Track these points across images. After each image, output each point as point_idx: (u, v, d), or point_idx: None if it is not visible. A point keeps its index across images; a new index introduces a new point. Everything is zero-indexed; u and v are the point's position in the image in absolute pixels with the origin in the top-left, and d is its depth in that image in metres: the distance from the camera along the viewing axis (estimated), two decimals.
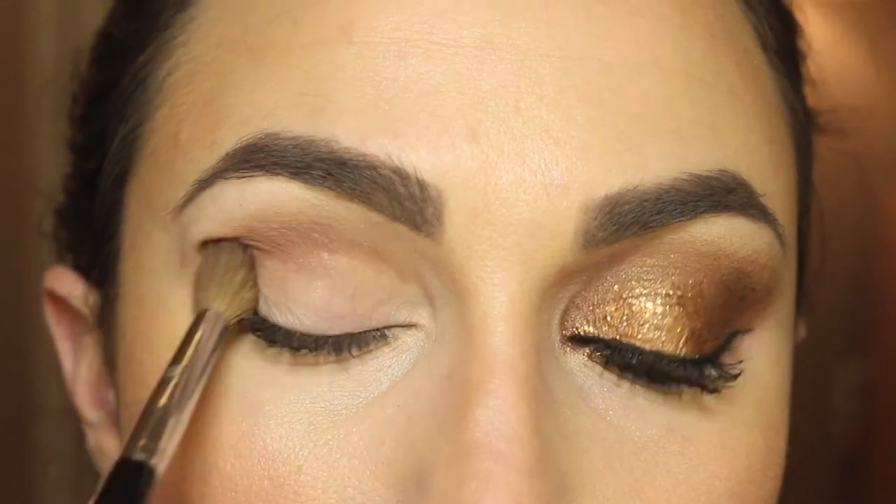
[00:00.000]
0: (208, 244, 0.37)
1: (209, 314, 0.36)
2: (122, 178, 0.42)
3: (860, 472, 2.26)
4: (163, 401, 0.34)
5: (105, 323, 0.45)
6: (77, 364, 0.50)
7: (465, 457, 0.33)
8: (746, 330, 0.39)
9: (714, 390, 0.37)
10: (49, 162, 1.33)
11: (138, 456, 0.32)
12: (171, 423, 0.34)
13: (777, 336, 0.41)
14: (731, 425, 0.38)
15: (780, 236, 0.39)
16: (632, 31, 0.37)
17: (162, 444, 0.33)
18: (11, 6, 1.45)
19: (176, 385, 0.34)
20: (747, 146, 0.38)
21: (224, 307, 0.36)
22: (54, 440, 1.38)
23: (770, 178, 0.39)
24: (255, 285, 0.36)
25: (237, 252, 0.36)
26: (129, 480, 0.32)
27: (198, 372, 0.35)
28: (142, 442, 0.33)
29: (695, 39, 0.38)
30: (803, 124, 0.45)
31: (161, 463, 0.33)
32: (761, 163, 0.39)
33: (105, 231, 0.44)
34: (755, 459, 0.38)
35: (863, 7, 2.07)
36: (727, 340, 0.39)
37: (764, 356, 0.40)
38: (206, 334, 0.35)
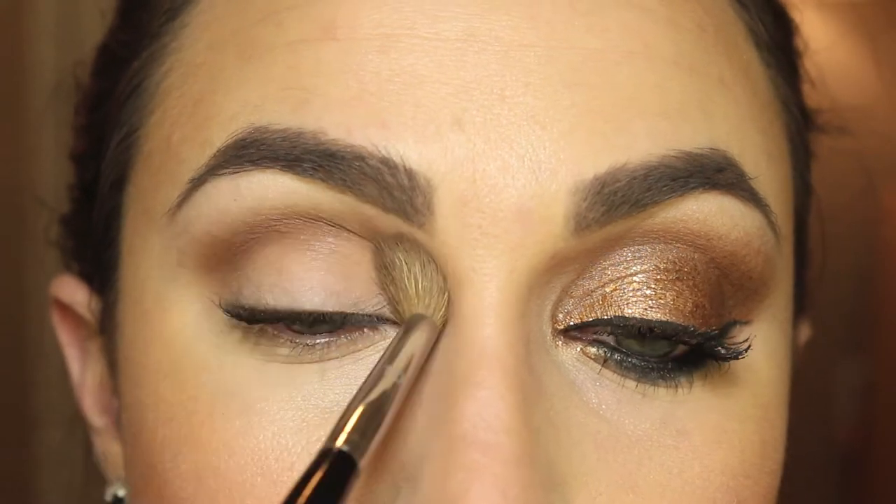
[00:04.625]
0: (381, 249, 0.36)
1: (426, 321, 0.35)
2: (119, 184, 0.43)
3: (861, 472, 2.25)
4: (380, 400, 0.33)
5: (107, 328, 0.45)
6: (84, 371, 0.50)
7: (454, 448, 0.33)
8: (744, 321, 0.39)
9: (726, 358, 0.37)
10: (50, 171, 1.33)
11: (346, 447, 0.32)
12: (382, 424, 0.33)
13: (774, 330, 0.41)
14: (725, 419, 0.38)
15: (772, 224, 0.39)
16: (618, 21, 0.37)
17: (372, 445, 0.32)
18: (10, 16, 1.45)
19: (393, 388, 0.34)
20: (738, 131, 0.38)
21: (431, 311, 0.36)
22: (56, 448, 1.38)
23: (762, 165, 0.39)
24: (447, 290, 0.36)
25: (425, 254, 0.36)
26: (337, 472, 0.31)
27: (412, 377, 0.35)
28: (351, 435, 0.32)
29: (683, 31, 0.38)
30: (798, 121, 0.45)
31: (363, 461, 0.32)
32: (753, 149, 0.39)
33: (105, 237, 0.44)
34: (750, 454, 0.38)
35: (863, 7, 2.07)
36: (726, 328, 0.39)
37: (761, 349, 0.40)
38: (425, 342, 0.35)
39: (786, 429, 0.42)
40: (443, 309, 0.35)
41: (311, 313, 0.36)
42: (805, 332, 0.51)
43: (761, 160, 0.39)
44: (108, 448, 0.50)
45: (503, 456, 0.33)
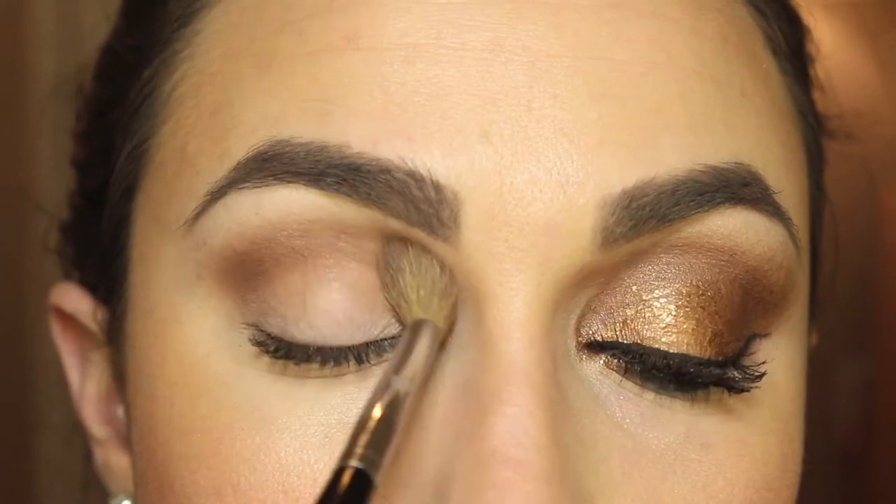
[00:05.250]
0: (406, 253, 0.36)
1: (428, 324, 0.35)
2: (128, 194, 0.42)
3: (861, 472, 2.25)
4: (389, 412, 0.33)
5: (114, 339, 0.45)
6: (84, 380, 0.50)
7: (483, 466, 0.33)
8: (764, 334, 0.39)
9: (740, 390, 0.37)
10: (49, 174, 1.33)
11: (360, 465, 0.31)
12: (394, 437, 0.33)
13: (792, 342, 0.41)
14: (748, 433, 0.38)
15: (793, 237, 0.39)
16: (643, 32, 0.36)
17: (386, 459, 0.32)
18: (10, 19, 1.45)
19: (400, 397, 0.33)
20: (760, 144, 0.38)
21: (434, 316, 0.35)
22: (56, 456, 1.38)
23: (783, 178, 0.39)
24: (453, 293, 0.36)
25: (434, 261, 0.36)
26: (355, 490, 0.31)
27: (420, 384, 0.34)
28: (366, 451, 0.32)
29: (706, 41, 0.38)
30: (813, 128, 0.45)
31: (378, 476, 0.32)
32: (775, 162, 0.39)
33: (113, 247, 0.43)
34: (772, 467, 0.38)
35: (864, 7, 2.07)
36: (746, 344, 0.39)
37: (780, 362, 0.40)
38: (429, 346, 0.35)
39: (803, 440, 0.42)
40: (446, 312, 0.35)
41: (337, 348, 0.36)
42: (813, 339, 0.51)
43: (782, 173, 0.39)
44: (111, 459, 0.49)
45: (534, 473, 0.32)
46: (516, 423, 0.33)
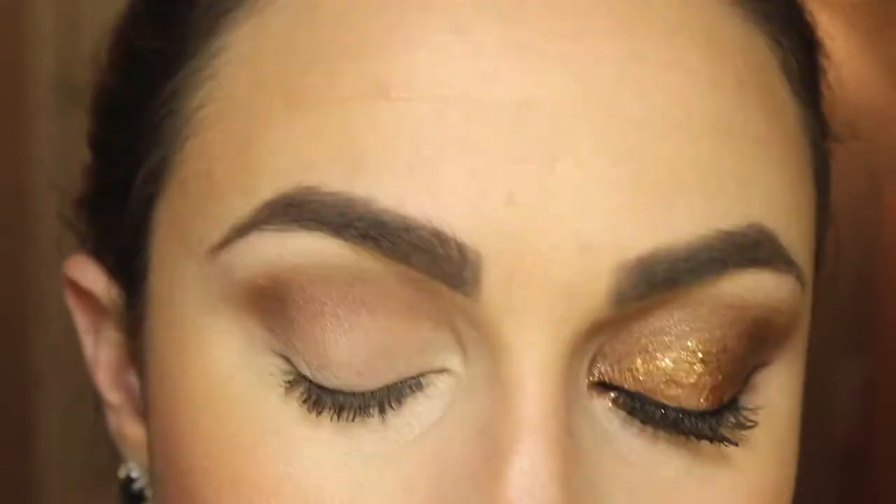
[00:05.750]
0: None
1: None
2: (150, 201, 0.42)
3: (861, 472, 2.26)
4: None
5: (131, 331, 0.45)
6: (97, 348, 0.50)
7: None
8: (763, 364, 0.40)
9: (734, 443, 0.38)
10: (49, 172, 1.33)
11: None
12: None
13: (793, 367, 0.41)
14: (748, 465, 0.39)
15: (801, 280, 0.39)
16: (663, 87, 0.37)
17: None
18: (10, 18, 1.45)
19: None
20: (771, 195, 0.39)
21: None
22: (56, 446, 1.39)
23: (793, 225, 0.39)
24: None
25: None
26: None
27: None
28: None
29: (725, 91, 0.38)
30: (823, 153, 0.45)
31: None
32: (785, 210, 0.39)
33: (134, 245, 0.44)
34: (769, 493, 0.40)
35: (863, 7, 2.07)
36: (745, 379, 0.39)
37: (779, 388, 0.41)
38: None
39: (796, 462, 0.43)
40: None
41: (361, 397, 0.36)
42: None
43: (792, 220, 0.39)
44: (124, 426, 0.50)
45: None
46: (530, 475, 0.34)
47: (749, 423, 0.39)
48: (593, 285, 0.35)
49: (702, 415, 0.38)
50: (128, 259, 0.44)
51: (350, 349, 0.36)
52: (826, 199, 0.46)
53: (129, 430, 0.49)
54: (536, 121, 0.35)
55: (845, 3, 2.03)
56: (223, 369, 0.38)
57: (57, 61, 1.41)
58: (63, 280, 0.51)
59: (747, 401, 0.39)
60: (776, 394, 0.40)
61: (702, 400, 0.38)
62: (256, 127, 0.38)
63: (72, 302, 0.51)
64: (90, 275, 0.49)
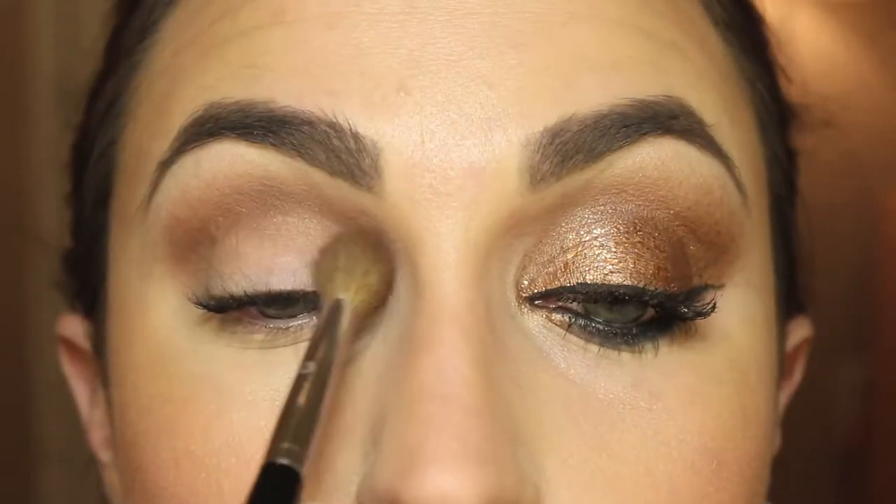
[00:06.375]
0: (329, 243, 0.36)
1: (339, 303, 0.35)
2: (102, 203, 0.44)
3: (860, 471, 2.26)
4: (302, 399, 0.33)
5: (100, 350, 0.45)
6: (92, 408, 0.50)
7: (410, 402, 0.33)
8: (716, 285, 0.39)
9: (687, 318, 0.37)
10: (50, 176, 1.33)
11: (283, 460, 0.31)
12: (316, 424, 0.33)
13: (748, 296, 0.40)
14: (699, 381, 0.37)
15: (734, 178, 0.38)
16: None
17: (309, 450, 0.32)
18: (10, 18, 1.45)
19: (314, 381, 0.33)
20: (695, 88, 0.38)
21: (351, 295, 0.35)
22: (57, 484, 1.38)
23: (723, 123, 0.39)
24: (377, 270, 0.36)
25: (356, 240, 0.36)
26: (280, 487, 0.31)
27: (334, 364, 0.34)
28: (286, 445, 0.32)
29: None
30: (769, 105, 0.45)
31: (305, 468, 0.32)
32: (713, 106, 0.39)
33: (90, 255, 0.45)
34: (728, 416, 0.38)
35: (863, 7, 2.07)
36: (695, 291, 0.38)
37: (734, 314, 0.39)
38: (340, 325, 0.35)
39: (773, 399, 0.41)
40: (366, 290, 0.35)
41: (269, 294, 0.37)
42: (803, 331, 0.51)
43: (723, 119, 0.39)
44: (114, 480, 0.49)
45: (462, 406, 0.32)
46: (444, 360, 0.33)
47: (704, 310, 0.37)
48: (501, 164, 0.35)
49: (653, 291, 0.37)
50: (87, 273, 0.45)
51: (260, 248, 0.37)
52: (782, 161, 0.46)
53: (115, 479, 0.49)
54: (425, 21, 0.36)
55: (846, 4, 2.03)
56: (161, 332, 0.39)
57: (57, 61, 1.41)
58: (58, 341, 0.52)
59: (702, 305, 0.38)
60: (732, 320, 0.39)
61: (650, 277, 0.37)
62: (174, 83, 0.40)
63: (65, 361, 0.51)
64: (74, 325, 0.49)
